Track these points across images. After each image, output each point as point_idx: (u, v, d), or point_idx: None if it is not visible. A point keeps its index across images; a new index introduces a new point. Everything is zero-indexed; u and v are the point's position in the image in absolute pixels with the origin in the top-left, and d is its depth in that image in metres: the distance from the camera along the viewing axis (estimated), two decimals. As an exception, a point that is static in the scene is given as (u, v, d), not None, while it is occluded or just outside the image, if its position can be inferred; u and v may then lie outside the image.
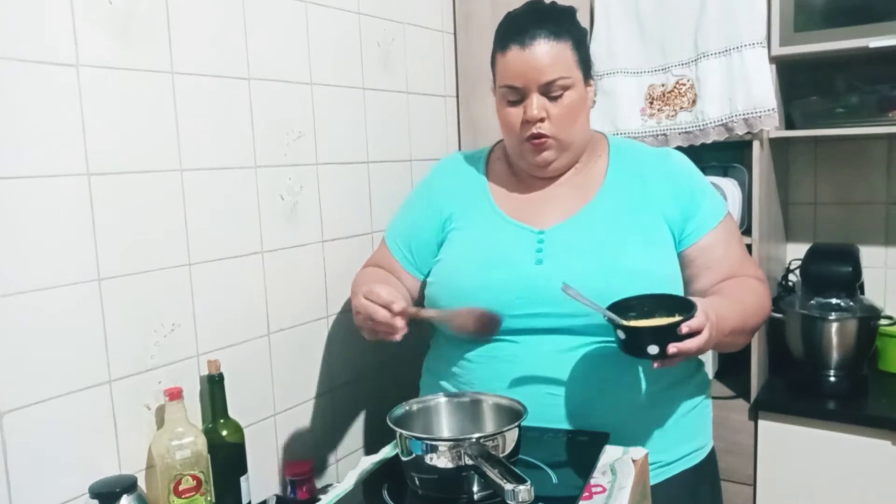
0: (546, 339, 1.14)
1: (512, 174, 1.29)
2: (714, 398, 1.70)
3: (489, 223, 1.24)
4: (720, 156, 1.84)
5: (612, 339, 1.07)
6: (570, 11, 1.21)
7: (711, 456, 1.26)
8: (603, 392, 1.12)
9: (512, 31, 1.17)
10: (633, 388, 1.14)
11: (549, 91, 1.16)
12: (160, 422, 1.23)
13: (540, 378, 1.13)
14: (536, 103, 1.15)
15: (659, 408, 1.16)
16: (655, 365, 1.01)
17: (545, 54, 1.14)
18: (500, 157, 1.33)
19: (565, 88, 1.16)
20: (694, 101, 1.68)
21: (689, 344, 0.98)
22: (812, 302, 1.69)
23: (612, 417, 1.11)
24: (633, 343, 1.02)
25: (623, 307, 1.05)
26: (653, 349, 0.99)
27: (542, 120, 1.16)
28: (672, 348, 0.97)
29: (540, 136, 1.17)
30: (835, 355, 1.66)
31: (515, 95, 1.18)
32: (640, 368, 1.14)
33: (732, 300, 1.14)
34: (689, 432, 1.20)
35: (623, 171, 1.24)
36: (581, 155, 1.25)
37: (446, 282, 1.22)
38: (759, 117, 1.59)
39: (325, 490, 1.46)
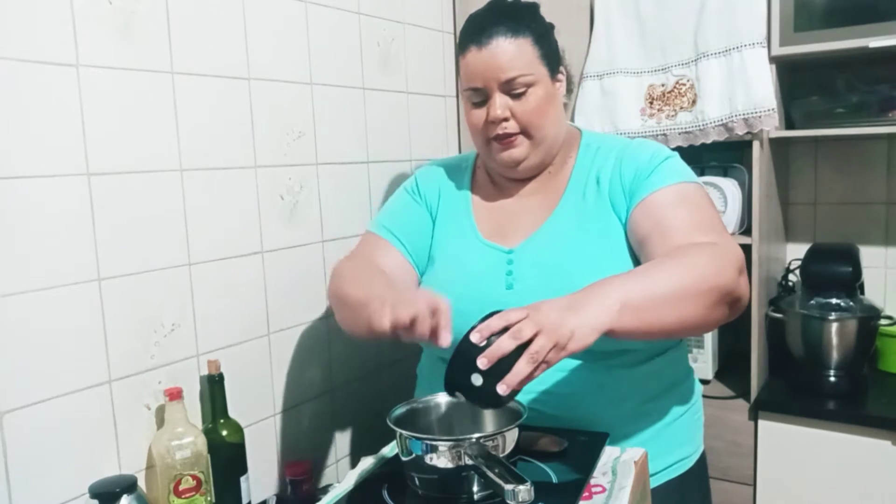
0: None
1: (491, 182, 1.27)
2: (714, 398, 1.72)
3: (465, 243, 1.22)
4: (720, 156, 1.84)
5: (584, 352, 1.04)
6: (532, 7, 1.19)
7: (701, 463, 1.23)
8: (584, 405, 1.11)
9: (469, 32, 1.15)
10: (614, 401, 1.12)
11: (511, 89, 1.13)
12: (160, 422, 1.23)
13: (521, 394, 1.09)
14: (499, 102, 1.13)
15: (642, 419, 1.13)
16: (503, 389, 0.82)
17: (503, 52, 1.11)
18: (481, 164, 1.31)
19: (528, 85, 1.13)
20: (694, 101, 1.68)
21: (504, 345, 0.81)
22: (812, 302, 1.68)
23: (595, 429, 1.08)
24: (464, 387, 0.84)
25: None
26: (476, 379, 0.82)
27: (505, 119, 1.14)
28: (481, 360, 0.81)
29: (506, 136, 1.15)
30: (835, 355, 1.66)
31: (479, 97, 1.15)
32: (620, 381, 1.12)
33: (629, 273, 0.99)
34: (675, 442, 1.17)
35: (585, 172, 1.20)
36: (555, 153, 1.22)
37: None
38: (759, 117, 1.59)
39: (325, 490, 1.46)
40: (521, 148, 1.16)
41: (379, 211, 1.36)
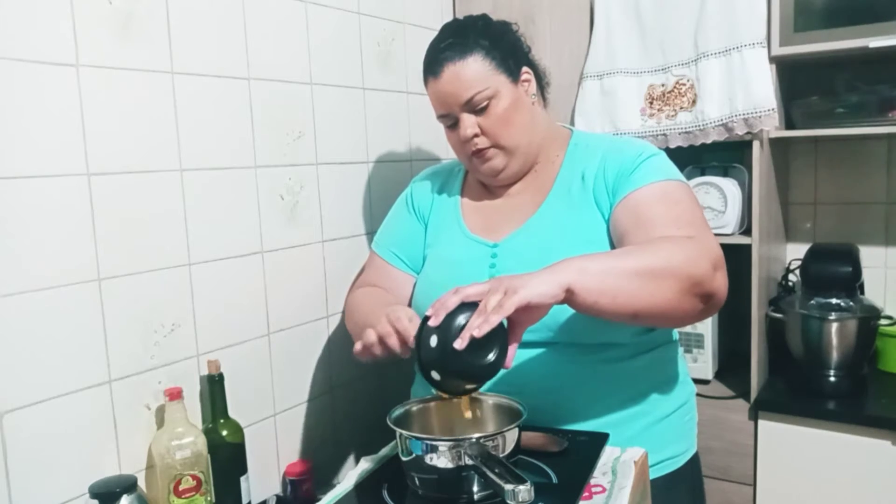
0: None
1: (480, 183, 1.31)
2: (714, 398, 1.72)
3: (453, 239, 1.26)
4: (720, 156, 1.84)
5: (571, 345, 1.08)
6: (478, 20, 1.22)
7: (692, 465, 1.23)
8: (569, 399, 1.11)
9: (426, 64, 1.22)
10: (598, 396, 1.12)
11: (473, 107, 1.18)
12: (160, 422, 1.23)
13: (500, 386, 1.08)
14: (466, 123, 1.18)
15: (627, 415, 1.13)
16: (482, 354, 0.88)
17: (455, 77, 1.17)
18: None
19: (489, 98, 1.17)
20: (694, 101, 1.68)
21: (447, 300, 0.89)
22: (812, 302, 1.69)
23: (579, 423, 1.09)
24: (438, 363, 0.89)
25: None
26: (433, 341, 0.88)
27: (476, 136, 1.19)
28: (430, 316, 0.89)
29: (480, 150, 1.20)
30: (835, 355, 1.66)
31: (449, 120, 1.22)
32: (606, 376, 1.12)
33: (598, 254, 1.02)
34: (662, 440, 1.16)
35: (571, 170, 1.22)
36: (535, 154, 1.24)
37: (418, 305, 1.22)
38: (759, 117, 1.59)
39: (325, 490, 1.46)
40: (497, 159, 1.21)
41: (381, 226, 1.43)
